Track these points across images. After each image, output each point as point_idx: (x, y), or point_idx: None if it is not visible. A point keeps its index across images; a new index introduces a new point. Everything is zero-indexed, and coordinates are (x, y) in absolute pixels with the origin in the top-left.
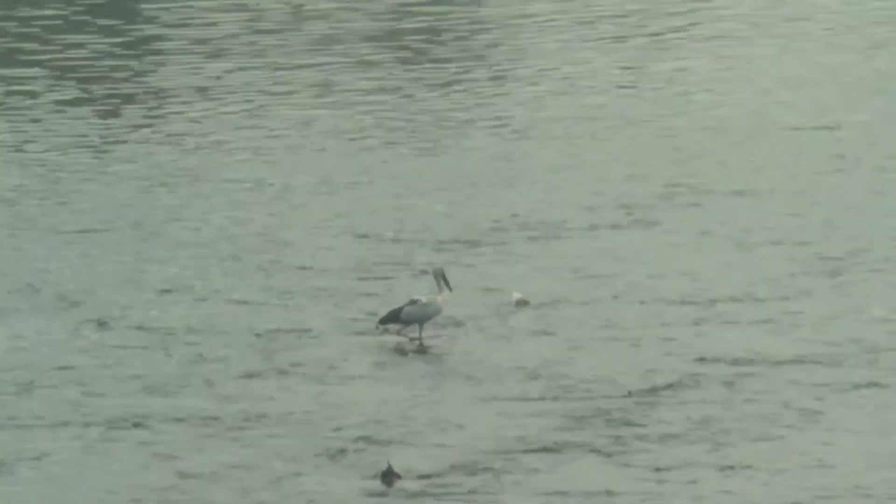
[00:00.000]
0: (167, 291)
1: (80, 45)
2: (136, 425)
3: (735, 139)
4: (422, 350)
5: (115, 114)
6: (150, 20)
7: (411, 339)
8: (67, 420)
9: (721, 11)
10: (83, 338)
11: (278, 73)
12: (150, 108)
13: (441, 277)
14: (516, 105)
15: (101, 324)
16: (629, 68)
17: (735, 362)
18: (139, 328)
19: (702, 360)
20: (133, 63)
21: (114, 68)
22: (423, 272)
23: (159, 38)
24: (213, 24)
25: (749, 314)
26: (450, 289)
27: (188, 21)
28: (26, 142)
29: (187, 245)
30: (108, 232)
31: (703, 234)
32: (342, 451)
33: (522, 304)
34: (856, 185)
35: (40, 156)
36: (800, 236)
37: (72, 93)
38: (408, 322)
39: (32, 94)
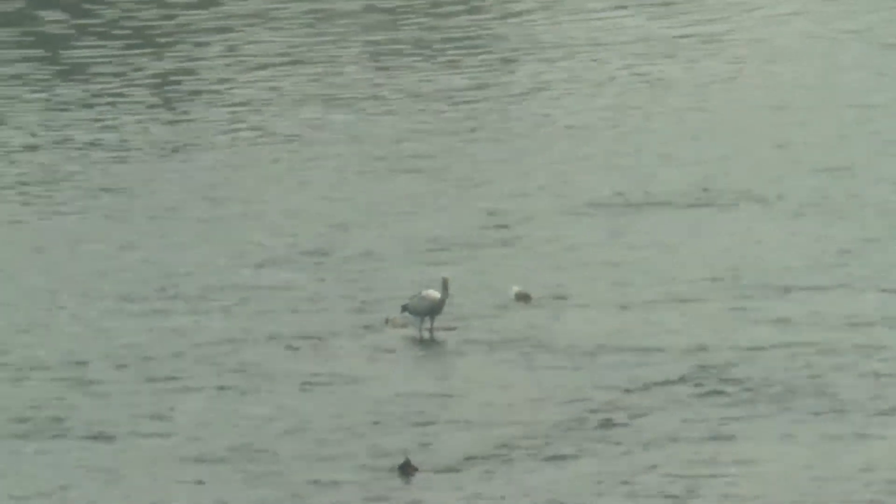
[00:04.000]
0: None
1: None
2: (171, 409)
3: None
4: (431, 342)
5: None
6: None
7: (413, 331)
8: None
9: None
10: (99, 329)
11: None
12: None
13: (444, 287)
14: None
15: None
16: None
17: (760, 349)
18: (171, 331)
19: (730, 349)
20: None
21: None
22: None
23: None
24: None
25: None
26: (446, 297)
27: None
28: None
29: (226, 252)
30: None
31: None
32: (361, 442)
33: (523, 297)
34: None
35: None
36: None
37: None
38: (413, 313)
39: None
